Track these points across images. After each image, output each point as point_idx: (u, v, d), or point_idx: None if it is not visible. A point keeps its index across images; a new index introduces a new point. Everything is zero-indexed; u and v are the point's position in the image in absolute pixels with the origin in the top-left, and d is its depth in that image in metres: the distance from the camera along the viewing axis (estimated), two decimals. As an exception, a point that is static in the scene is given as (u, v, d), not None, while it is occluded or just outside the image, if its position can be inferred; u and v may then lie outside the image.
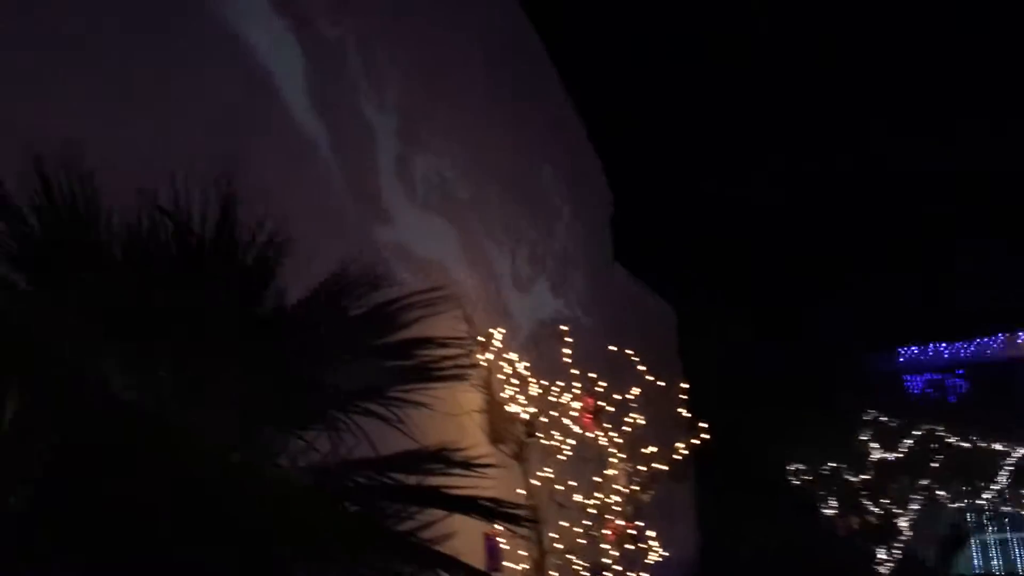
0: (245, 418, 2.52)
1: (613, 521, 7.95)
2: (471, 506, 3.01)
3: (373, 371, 3.16)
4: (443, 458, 3.41)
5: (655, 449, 8.40)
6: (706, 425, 8.93)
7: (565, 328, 8.33)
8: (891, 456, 16.07)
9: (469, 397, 7.66)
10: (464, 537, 6.99)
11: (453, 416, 7.31)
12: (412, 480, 3.33)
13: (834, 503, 16.81)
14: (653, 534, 8.70)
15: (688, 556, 13.65)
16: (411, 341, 3.13)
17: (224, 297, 2.53)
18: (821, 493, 16.92)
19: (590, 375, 8.29)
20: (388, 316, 3.04)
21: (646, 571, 8.73)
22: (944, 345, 25.80)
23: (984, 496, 16.46)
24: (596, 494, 7.97)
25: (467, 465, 3.43)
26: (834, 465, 16.52)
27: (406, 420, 4.05)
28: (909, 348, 26.00)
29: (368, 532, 2.72)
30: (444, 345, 3.17)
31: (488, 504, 3.04)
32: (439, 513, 3.14)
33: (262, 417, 2.60)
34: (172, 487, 2.07)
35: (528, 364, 7.79)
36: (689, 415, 9.12)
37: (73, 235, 2.54)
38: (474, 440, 7.53)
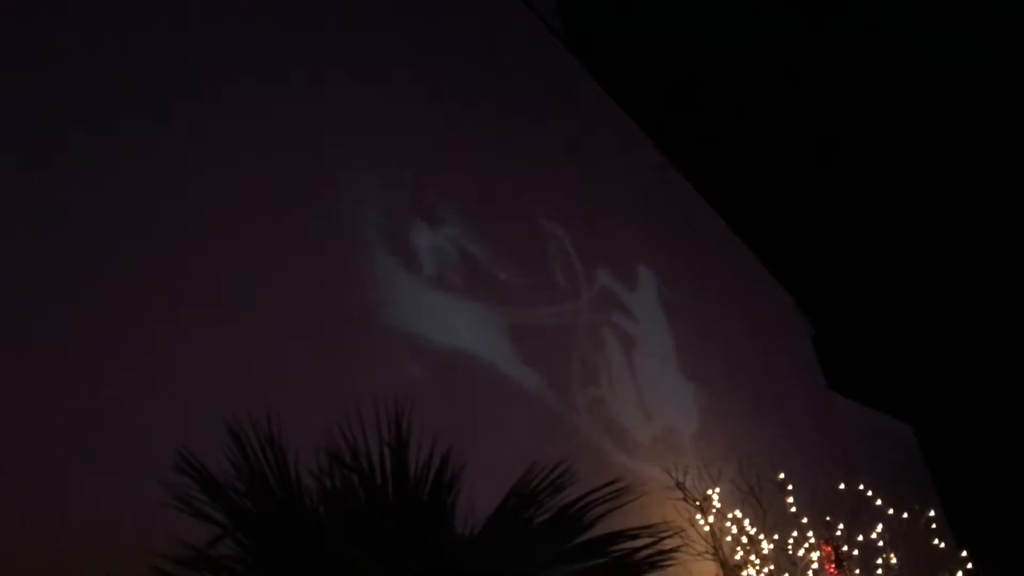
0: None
1: None
2: None
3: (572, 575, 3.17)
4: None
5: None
6: (968, 554, 8.08)
7: (783, 476, 7.93)
8: None
9: (703, 568, 7.36)
10: None
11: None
12: None
13: None
14: None
15: None
16: (601, 539, 3.13)
17: (402, 532, 2.66)
18: None
19: (826, 520, 7.80)
20: (572, 518, 3.07)
21: None
22: None
23: None
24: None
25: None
26: None
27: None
28: None
29: None
30: (635, 536, 3.14)
31: None
32: None
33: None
34: None
35: (754, 520, 7.43)
36: (947, 544, 8.30)
37: (273, 499, 2.79)
38: (717, 611, 7.19)
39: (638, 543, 3.12)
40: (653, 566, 3.21)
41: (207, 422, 3.11)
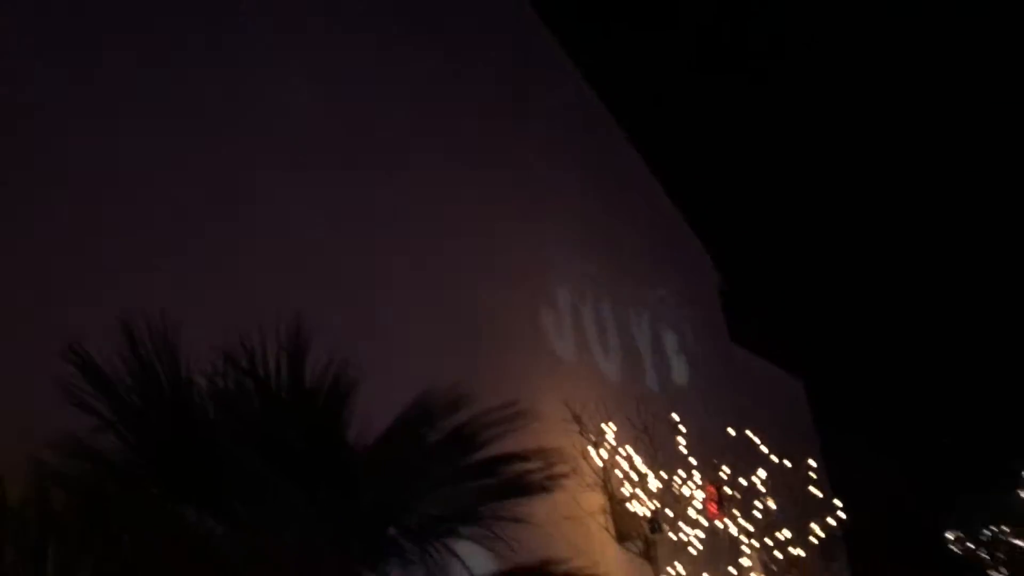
0: (325, 558, 2.59)
1: (757, 613, 7.60)
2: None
3: (463, 494, 3.20)
4: (546, 572, 3.38)
5: (791, 534, 8.04)
6: (842, 504, 8.52)
7: (676, 417, 8.16)
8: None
9: (591, 498, 7.56)
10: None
11: (577, 519, 7.23)
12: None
13: (1004, 571, 15.56)
14: (803, 622, 8.27)
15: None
16: (495, 459, 3.16)
17: (297, 437, 2.64)
18: (985, 558, 15.70)
19: (712, 462, 8.08)
20: (468, 438, 3.09)
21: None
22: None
23: None
24: (734, 586, 7.66)
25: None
26: (996, 529, 15.36)
27: (520, 534, 4.05)
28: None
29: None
30: (528, 459, 3.18)
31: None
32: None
33: (344, 555, 2.66)
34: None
35: (645, 458, 7.65)
36: (824, 495, 8.72)
37: (162, 396, 2.72)
38: (600, 542, 7.41)
39: (530, 466, 3.17)
40: (543, 490, 3.27)
41: (103, 320, 3.01)
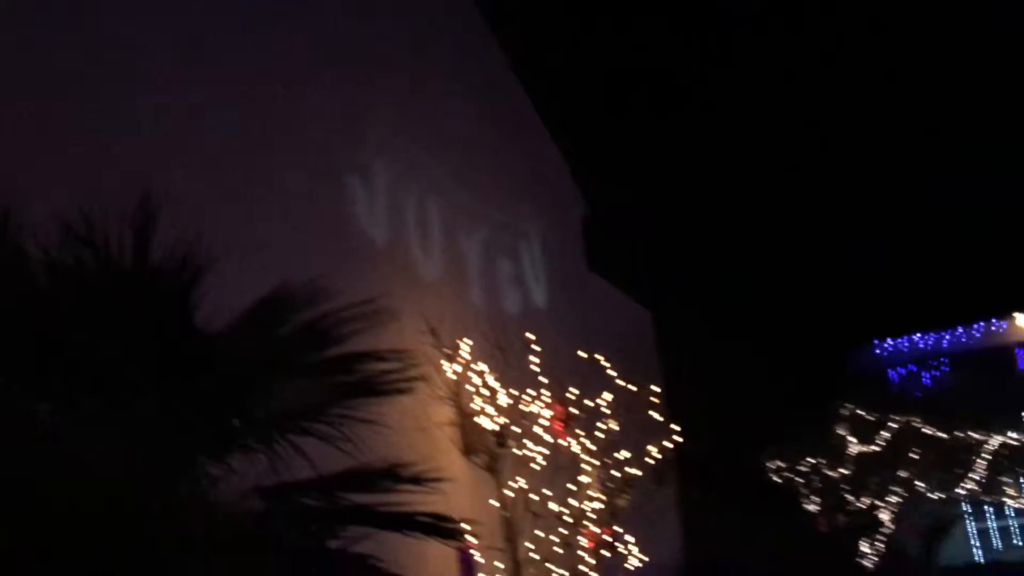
0: (166, 446, 2.47)
1: (589, 528, 7.90)
2: (407, 523, 2.97)
3: (314, 389, 3.12)
4: (392, 475, 3.36)
5: (629, 454, 8.36)
6: (679, 428, 8.92)
7: (532, 336, 8.28)
8: (870, 449, 16.10)
9: (440, 410, 7.62)
10: (438, 553, 6.94)
11: (425, 430, 7.27)
12: (365, 498, 3.29)
13: (816, 499, 16.83)
14: (632, 539, 8.66)
15: (672, 560, 13.60)
16: (349, 356, 3.09)
17: (138, 317, 2.48)
18: (803, 490, 16.93)
19: (561, 383, 8.25)
20: (322, 332, 3.00)
21: (626, 576, 8.71)
22: (920, 336, 25.97)
23: (964, 486, 16.50)
24: (571, 501, 7.92)
25: (417, 481, 3.38)
26: (813, 461, 16.54)
27: (369, 437, 3.99)
28: (887, 341, 26.17)
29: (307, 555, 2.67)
30: (384, 359, 3.12)
31: (426, 520, 3.00)
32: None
33: (187, 444, 2.55)
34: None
35: (497, 375, 7.74)
36: (663, 419, 9.10)
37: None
38: (446, 453, 7.49)
39: (385, 366, 3.11)
40: (396, 391, 3.22)
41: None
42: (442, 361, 7.60)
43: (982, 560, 22.06)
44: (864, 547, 16.13)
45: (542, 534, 7.64)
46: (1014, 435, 16.34)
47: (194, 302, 2.70)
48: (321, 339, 3.01)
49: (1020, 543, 22.28)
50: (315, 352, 3.01)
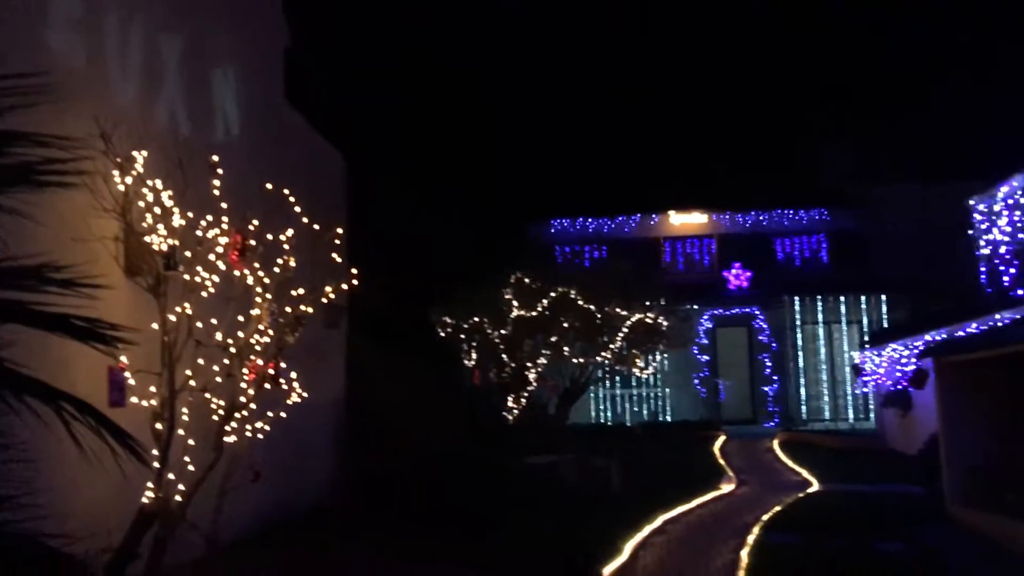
0: None
1: (254, 361, 7.82)
2: (63, 325, 2.75)
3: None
4: (40, 275, 3.07)
5: (304, 291, 8.32)
6: (356, 272, 9.02)
7: (217, 159, 7.84)
8: (529, 315, 17.43)
9: (104, 224, 7.05)
10: (84, 368, 6.56)
11: (86, 243, 6.72)
12: (11, 295, 2.98)
13: (475, 357, 18.05)
14: (294, 375, 8.74)
15: (335, 398, 14.00)
16: (3, 135, 2.72)
17: None
18: (464, 347, 18.05)
19: (244, 213, 7.94)
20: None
21: (286, 411, 8.81)
22: (590, 220, 28.27)
23: (602, 355, 18.45)
24: (239, 333, 7.77)
25: (70, 284, 3.12)
26: (477, 320, 17.62)
27: (18, 232, 3.61)
28: (559, 220, 28.18)
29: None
30: (45, 144, 2.79)
31: (83, 324, 2.80)
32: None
33: None
34: None
35: (172, 193, 7.27)
36: (342, 262, 9.13)
37: None
38: (106, 270, 6.98)
39: (46, 153, 2.79)
40: (57, 184, 2.91)
41: None
42: (113, 171, 6.99)
43: (607, 423, 25.10)
44: (509, 402, 17.64)
45: (203, 362, 7.45)
46: (651, 316, 18.46)
47: None
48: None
49: (638, 411, 25.60)
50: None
